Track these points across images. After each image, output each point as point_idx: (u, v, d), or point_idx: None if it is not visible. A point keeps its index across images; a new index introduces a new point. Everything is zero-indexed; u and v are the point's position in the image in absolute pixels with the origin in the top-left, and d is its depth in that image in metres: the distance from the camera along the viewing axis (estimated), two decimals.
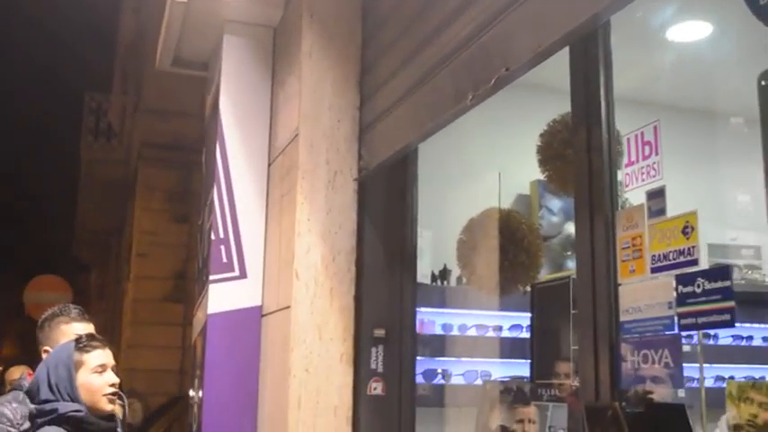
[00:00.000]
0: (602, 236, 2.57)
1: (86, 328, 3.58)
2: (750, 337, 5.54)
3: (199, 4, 4.82)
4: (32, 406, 3.20)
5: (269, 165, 4.78)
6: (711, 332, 5.33)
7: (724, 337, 5.22)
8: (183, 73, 6.11)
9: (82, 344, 3.27)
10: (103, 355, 3.28)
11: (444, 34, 3.24)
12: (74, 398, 3.16)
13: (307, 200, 4.09)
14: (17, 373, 5.31)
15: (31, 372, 3.59)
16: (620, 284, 2.51)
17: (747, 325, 5.50)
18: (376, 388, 3.92)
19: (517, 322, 4.64)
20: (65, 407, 3.12)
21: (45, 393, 3.18)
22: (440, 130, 3.39)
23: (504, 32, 2.79)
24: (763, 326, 5.56)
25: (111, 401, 3.26)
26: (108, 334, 12.44)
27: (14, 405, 3.33)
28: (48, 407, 3.14)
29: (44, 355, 3.49)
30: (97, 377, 3.21)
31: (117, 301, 15.01)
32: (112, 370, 3.30)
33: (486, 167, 4.75)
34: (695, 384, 3.35)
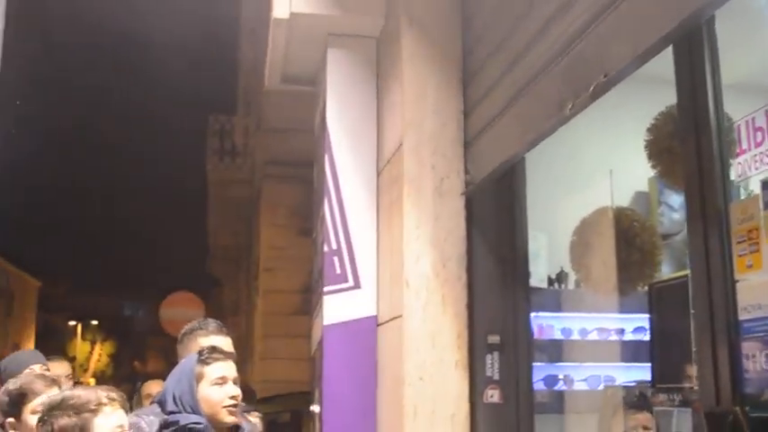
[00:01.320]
0: (716, 230, 2.43)
1: (224, 341, 3.57)
2: None
3: (301, 20, 4.88)
4: (162, 418, 3.24)
5: (378, 174, 4.77)
6: None
7: None
8: (293, 90, 6.21)
9: (204, 356, 3.27)
10: (225, 368, 3.25)
11: (541, 43, 3.17)
12: (195, 410, 3.18)
13: (414, 207, 4.06)
14: (155, 387, 5.46)
15: None
16: (737, 281, 2.36)
17: None
18: (492, 395, 3.84)
19: (641, 324, 4.45)
20: (186, 419, 3.16)
21: (170, 405, 3.23)
22: (543, 140, 3.30)
23: (601, 38, 2.69)
24: None
25: (232, 413, 3.24)
26: (242, 348, 12.77)
27: (151, 417, 3.39)
28: (171, 418, 3.19)
29: None
30: (217, 389, 3.21)
31: (249, 316, 15.42)
32: (234, 382, 3.27)
33: (600, 166, 4.59)
34: None
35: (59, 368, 4.60)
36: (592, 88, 2.67)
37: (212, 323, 3.67)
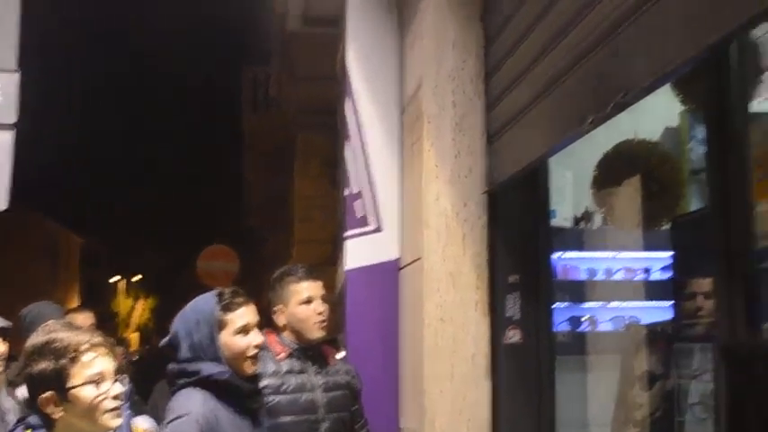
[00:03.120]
0: (734, 153, 2.32)
1: (315, 286, 3.57)
2: None
3: None
4: (173, 365, 3.05)
5: (401, 114, 4.69)
6: None
7: None
8: (322, 36, 6.12)
9: (225, 301, 3.04)
10: (248, 313, 3.06)
11: (562, 45, 3.02)
12: (215, 359, 2.96)
13: (434, 145, 3.98)
14: None
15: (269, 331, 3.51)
16: (754, 208, 2.27)
17: None
18: (513, 336, 3.78)
19: (668, 262, 4.35)
20: (209, 368, 2.94)
21: (186, 352, 3.00)
22: (564, 148, 3.19)
23: (621, 53, 2.53)
24: None
25: (254, 363, 3.07)
26: None
27: None
28: (191, 368, 2.97)
29: (276, 314, 3.55)
30: (241, 338, 3.01)
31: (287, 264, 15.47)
32: (257, 327, 3.11)
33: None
34: None
35: (81, 319, 4.62)
36: (611, 107, 2.53)
37: (300, 268, 3.63)
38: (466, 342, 3.83)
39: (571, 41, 2.93)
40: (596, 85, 2.70)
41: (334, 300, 5.34)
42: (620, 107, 2.51)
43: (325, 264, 11.38)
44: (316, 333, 3.52)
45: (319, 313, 3.52)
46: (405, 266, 4.41)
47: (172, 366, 3.05)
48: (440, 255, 3.90)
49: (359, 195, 4.66)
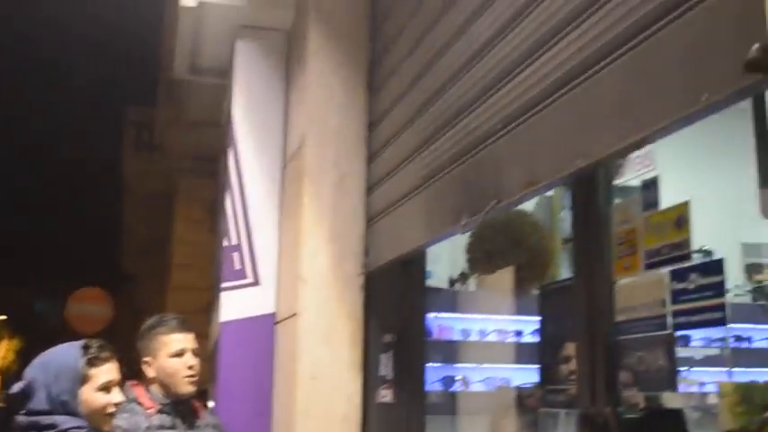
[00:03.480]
0: (597, 232, 2.43)
1: (186, 338, 3.46)
2: None
3: (209, 9, 4.78)
4: (23, 416, 2.85)
5: (283, 169, 4.70)
6: (745, 334, 5.12)
7: (759, 339, 4.99)
8: (210, 83, 6.08)
9: (91, 354, 2.92)
10: (112, 370, 2.96)
11: (440, 144, 3.09)
12: (73, 413, 2.83)
13: (313, 202, 4.00)
14: None
15: (137, 383, 3.45)
16: (614, 282, 2.37)
17: None
18: (385, 395, 3.80)
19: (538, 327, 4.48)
20: (66, 421, 2.80)
21: (41, 403, 2.83)
22: (441, 241, 3.29)
23: (495, 160, 2.59)
24: None
25: (110, 420, 2.95)
26: None
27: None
28: (44, 420, 2.81)
29: (144, 366, 3.42)
30: (103, 395, 2.90)
31: (160, 313, 15.09)
32: (118, 385, 2.99)
33: None
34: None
35: None
36: (485, 211, 2.58)
37: (172, 320, 3.51)
38: (338, 401, 3.82)
39: (444, 145, 3.02)
40: (471, 188, 2.75)
41: (209, 350, 5.25)
42: (495, 211, 2.56)
43: (203, 311, 11.17)
44: (185, 388, 3.41)
45: (190, 367, 3.41)
46: (280, 321, 4.38)
47: (22, 419, 2.86)
48: (315, 312, 3.91)
49: (237, 247, 4.62)
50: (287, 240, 4.43)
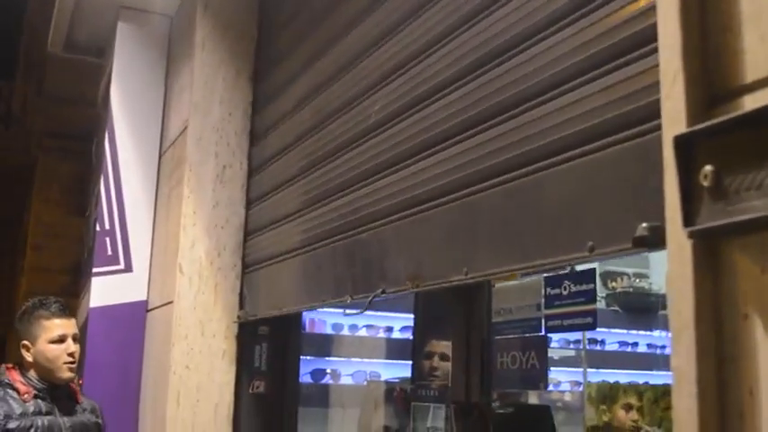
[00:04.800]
0: None
1: (68, 324, 3.35)
2: (635, 344, 5.67)
3: None
4: None
5: (160, 157, 4.65)
6: (599, 338, 5.45)
7: (611, 343, 5.32)
8: (79, 59, 5.92)
9: None
10: None
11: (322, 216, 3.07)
12: None
13: (193, 193, 3.99)
14: None
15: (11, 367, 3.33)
16: (494, 286, 2.51)
17: (634, 332, 5.62)
18: (258, 386, 3.84)
19: (408, 324, 4.63)
20: None
21: None
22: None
23: (381, 249, 2.52)
24: (647, 333, 5.69)
25: None
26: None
27: None
28: None
29: (23, 350, 3.30)
30: None
31: (10, 295, 14.49)
32: None
33: None
34: (581, 388, 3.37)
35: None
36: (370, 299, 2.51)
37: (54, 304, 3.39)
38: (210, 391, 3.84)
39: (332, 218, 3.00)
40: (359, 269, 2.69)
41: None
42: (379, 298, 2.50)
43: (62, 295, 10.80)
44: (65, 374, 3.33)
45: (70, 354, 3.33)
46: (153, 309, 4.35)
47: None
48: (191, 301, 3.90)
49: (110, 233, 4.54)
50: (163, 229, 4.39)
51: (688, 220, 1.15)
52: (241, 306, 3.92)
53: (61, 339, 3.33)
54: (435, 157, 2.23)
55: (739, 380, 1.10)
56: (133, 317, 4.45)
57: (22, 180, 13.18)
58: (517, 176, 1.86)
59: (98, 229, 4.55)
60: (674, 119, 1.18)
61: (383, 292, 2.42)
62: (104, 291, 4.47)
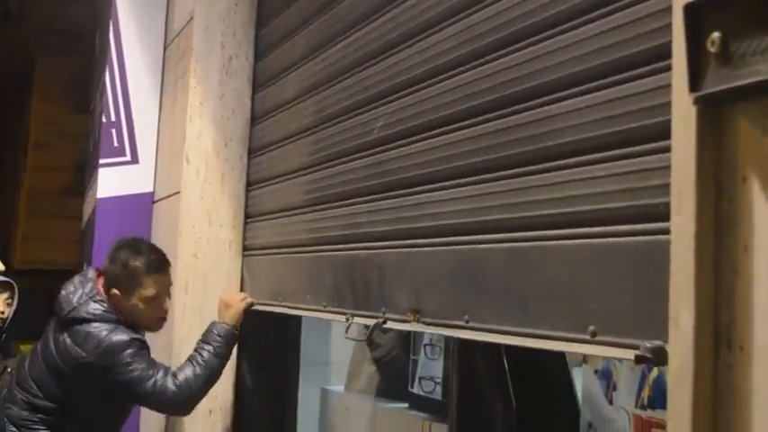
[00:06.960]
0: None
1: (166, 279, 3.29)
2: None
3: None
4: None
5: (165, 48, 4.64)
6: None
7: None
8: None
9: None
10: None
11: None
12: None
13: (200, 84, 4.00)
14: None
15: None
16: None
17: None
18: None
19: None
20: None
21: None
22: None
23: (386, 275, 2.45)
24: None
25: None
26: (3, 229, 12.18)
27: None
28: None
29: (110, 296, 3.15)
30: None
31: (13, 194, 14.58)
32: None
33: None
34: None
35: None
36: (371, 326, 2.44)
37: (154, 254, 3.28)
38: (218, 279, 3.93)
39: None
40: (359, 289, 2.64)
41: (83, 229, 5.22)
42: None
43: (64, 193, 10.89)
44: (153, 329, 3.31)
45: (164, 312, 3.24)
46: (160, 200, 4.41)
47: None
48: (198, 191, 3.95)
49: (116, 124, 4.58)
50: (169, 120, 4.42)
51: (694, 85, 1.19)
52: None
53: (156, 297, 3.24)
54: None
55: (735, 238, 1.16)
56: (140, 208, 4.52)
57: (21, 79, 13.11)
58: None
59: (104, 120, 4.58)
60: None
61: (384, 322, 2.37)
62: (111, 182, 4.53)
